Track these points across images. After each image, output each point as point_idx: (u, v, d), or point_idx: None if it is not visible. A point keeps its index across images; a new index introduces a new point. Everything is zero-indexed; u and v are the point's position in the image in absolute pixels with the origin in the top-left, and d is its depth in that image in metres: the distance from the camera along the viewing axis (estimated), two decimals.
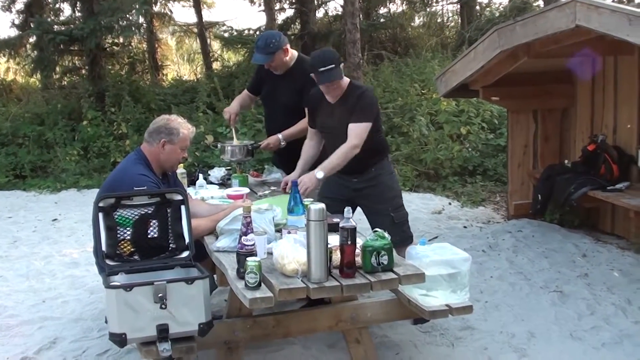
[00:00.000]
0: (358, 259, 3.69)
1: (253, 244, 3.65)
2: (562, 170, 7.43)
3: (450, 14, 20.72)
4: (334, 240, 3.72)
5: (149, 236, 4.06)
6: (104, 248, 3.97)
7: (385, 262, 3.66)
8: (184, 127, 4.61)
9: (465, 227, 8.03)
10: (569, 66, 7.51)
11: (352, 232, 3.58)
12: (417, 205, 9.09)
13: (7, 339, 5.23)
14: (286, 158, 5.82)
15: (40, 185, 10.93)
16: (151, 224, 4.07)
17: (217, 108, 12.25)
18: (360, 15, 14.59)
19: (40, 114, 12.98)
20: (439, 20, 20.57)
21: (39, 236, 8.19)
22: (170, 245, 4.08)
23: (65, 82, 15.20)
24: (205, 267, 4.25)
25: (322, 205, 3.56)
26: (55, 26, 13.98)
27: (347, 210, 3.62)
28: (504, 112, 11.10)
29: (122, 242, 4.02)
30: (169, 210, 4.09)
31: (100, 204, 4.01)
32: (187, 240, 4.08)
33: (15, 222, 8.83)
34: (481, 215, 8.57)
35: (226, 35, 17.54)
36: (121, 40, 14.29)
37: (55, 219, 8.90)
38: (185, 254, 4.07)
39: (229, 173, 5.95)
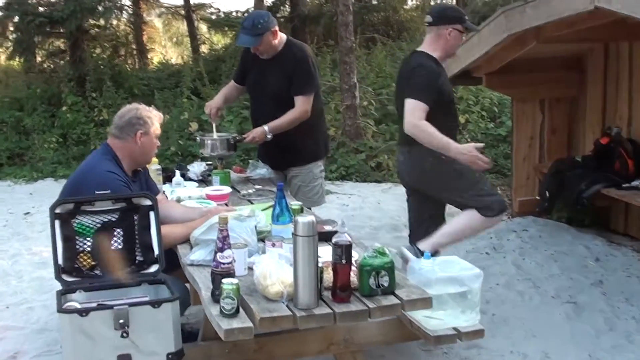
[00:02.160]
0: (354, 279, 3.15)
1: (230, 262, 3.10)
2: (572, 165, 6.89)
3: None
4: (326, 252, 3.21)
5: (112, 247, 3.51)
6: (60, 261, 3.43)
7: (386, 284, 3.12)
8: (154, 115, 4.13)
9: None
10: (580, 52, 7.00)
11: (347, 250, 3.04)
12: None
13: None
14: (273, 152, 5.42)
15: (16, 174, 10.42)
16: (115, 233, 3.52)
17: (203, 93, 11.73)
18: None
19: (20, 99, 12.43)
20: (432, 2, 20.10)
21: (9, 231, 7.67)
22: (137, 257, 3.54)
23: (46, 66, 14.60)
24: (179, 278, 3.77)
25: (312, 217, 3.02)
26: (40, 8, 13.39)
27: (342, 222, 3.08)
28: (504, 100, 10.70)
29: (82, 254, 3.48)
30: (135, 218, 3.55)
31: (57, 210, 3.46)
32: (156, 252, 3.53)
33: None
34: None
35: (213, 17, 16.97)
36: (102, 22, 13.68)
37: (27, 212, 8.35)
38: (154, 268, 3.53)
39: (210, 168, 5.39)
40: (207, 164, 5.46)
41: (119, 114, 4.13)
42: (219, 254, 3.09)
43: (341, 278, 3.07)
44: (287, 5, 16.51)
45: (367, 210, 8.08)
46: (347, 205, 8.29)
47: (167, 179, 5.07)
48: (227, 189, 4.74)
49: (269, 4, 16.05)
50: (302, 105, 5.24)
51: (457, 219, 5.04)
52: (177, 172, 5.04)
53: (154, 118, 4.08)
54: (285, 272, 3.10)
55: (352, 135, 10.40)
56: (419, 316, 3.63)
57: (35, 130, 11.45)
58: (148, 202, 3.56)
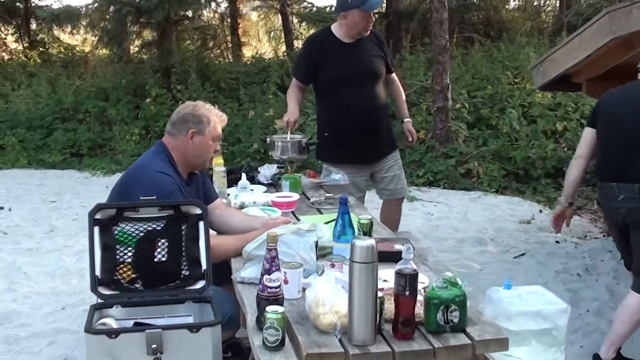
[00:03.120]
0: (420, 311, 2.74)
1: (278, 287, 2.74)
2: None
3: None
4: (389, 276, 2.84)
5: (155, 259, 3.20)
6: (97, 272, 3.13)
7: (456, 320, 2.69)
8: (214, 115, 3.74)
9: (557, 242, 6.94)
10: None
11: (411, 280, 2.63)
12: (504, 211, 8.07)
13: (9, 355, 4.49)
14: (366, 143, 5.31)
15: (95, 165, 10.33)
16: (159, 243, 3.21)
17: None
18: None
19: (106, 89, 12.41)
20: (535, 3, 19.44)
21: (77, 226, 7.50)
22: (183, 272, 3.22)
23: (134, 57, 14.60)
24: (232, 293, 3.39)
25: (371, 241, 2.62)
26: None
27: (407, 249, 2.67)
28: None
29: (122, 265, 3.17)
30: (183, 227, 3.23)
31: (97, 216, 3.17)
32: (204, 266, 3.20)
33: (57, 208, 8.19)
34: (576, 227, 7.46)
35: (307, 11, 16.70)
36: (189, 13, 13.55)
37: None
38: (200, 284, 3.19)
39: (281, 172, 5.05)
40: (278, 167, 5.12)
41: (177, 109, 3.83)
42: (265, 277, 2.73)
43: (404, 311, 2.66)
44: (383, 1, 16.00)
45: (453, 221, 7.63)
46: (432, 214, 7.85)
47: (235, 181, 4.75)
48: (295, 196, 4.40)
49: None
50: (398, 80, 5.63)
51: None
52: (244, 175, 4.70)
53: (213, 118, 3.73)
54: (340, 300, 2.71)
55: (442, 139, 9.93)
56: (496, 354, 3.19)
57: (118, 121, 11.37)
58: (198, 211, 3.23)
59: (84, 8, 14.38)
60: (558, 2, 18.19)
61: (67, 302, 5.41)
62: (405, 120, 5.64)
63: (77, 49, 17.42)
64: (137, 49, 15.01)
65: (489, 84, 11.42)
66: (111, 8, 12.96)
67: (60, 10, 15.50)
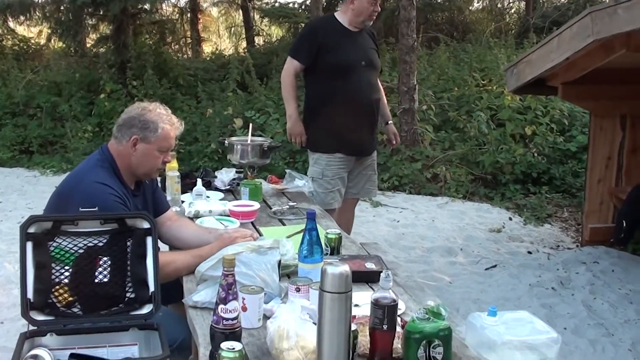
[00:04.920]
0: (398, 345, 2.39)
1: (236, 318, 2.36)
2: None
3: None
4: (360, 299, 2.58)
5: (96, 280, 2.79)
6: (29, 294, 2.72)
7: (440, 357, 2.34)
8: (166, 121, 3.31)
9: (529, 252, 6.69)
10: None
11: (390, 312, 2.28)
12: (472, 218, 7.80)
13: None
14: (365, 132, 5.29)
15: (45, 164, 9.91)
16: (101, 262, 2.80)
17: (250, 88, 11.03)
18: None
19: (59, 83, 11.94)
20: (499, 5, 19.40)
21: None
22: (128, 294, 2.81)
23: (89, 51, 14.18)
24: (182, 313, 3.01)
25: (345, 268, 2.26)
26: None
27: (386, 276, 2.32)
28: (575, 112, 9.92)
29: (58, 286, 2.76)
30: (128, 244, 2.82)
31: (30, 230, 2.75)
32: (151, 288, 2.80)
33: (2, 210, 7.78)
34: (548, 236, 7.23)
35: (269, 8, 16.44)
36: (147, 6, 13.16)
37: None
38: (147, 308, 2.79)
39: (240, 177, 4.69)
40: (237, 171, 4.75)
41: (126, 110, 3.43)
42: (221, 306, 2.35)
43: (381, 347, 2.32)
44: None
45: (420, 229, 7.34)
46: (397, 221, 7.54)
47: (190, 186, 4.38)
48: (255, 205, 4.04)
49: None
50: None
51: None
52: (199, 181, 4.32)
53: (164, 126, 3.29)
54: (307, 333, 2.36)
55: (408, 141, 9.62)
56: None
57: (70, 117, 10.97)
58: (146, 225, 2.83)
59: None
60: (524, 3, 18.12)
61: (7, 316, 5.04)
62: (390, 122, 5.58)
63: (33, 41, 16.89)
64: (92, 42, 14.61)
65: (455, 86, 11.21)
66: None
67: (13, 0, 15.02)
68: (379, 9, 5.13)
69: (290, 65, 5.16)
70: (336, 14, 5.22)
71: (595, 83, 6.21)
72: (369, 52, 5.21)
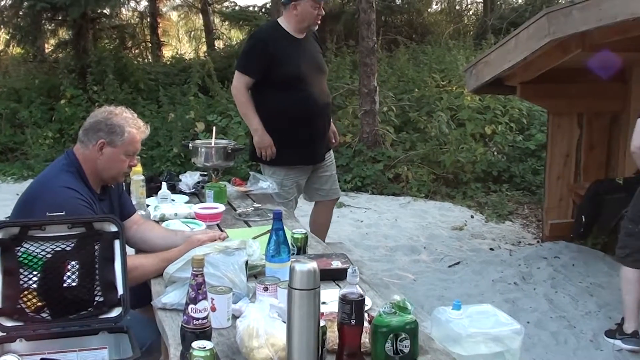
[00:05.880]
0: (366, 339, 2.44)
1: (206, 317, 2.39)
2: (612, 188, 6.21)
3: (470, 0, 19.69)
4: (333, 297, 2.59)
5: (65, 284, 2.80)
6: None
7: (407, 350, 2.39)
8: (132, 125, 3.32)
9: (491, 248, 6.80)
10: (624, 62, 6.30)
11: (358, 307, 2.32)
12: (435, 217, 7.88)
13: None
14: (321, 137, 5.20)
15: (5, 171, 9.79)
16: (69, 266, 2.81)
17: (212, 91, 11.01)
18: None
19: (18, 90, 11.81)
20: (457, 7, 19.57)
21: None
22: (96, 298, 2.83)
23: (49, 56, 14.04)
24: (151, 316, 3.01)
25: (313, 265, 2.30)
26: None
27: (353, 271, 2.37)
28: (534, 111, 10.05)
29: (26, 292, 2.77)
30: (96, 247, 2.83)
31: None
32: (120, 291, 2.82)
33: None
34: (509, 233, 7.33)
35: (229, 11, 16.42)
36: (107, 11, 13.08)
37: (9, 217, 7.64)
38: (116, 311, 2.81)
39: (205, 180, 4.69)
40: (201, 175, 4.75)
41: (92, 114, 3.42)
42: (191, 306, 2.38)
43: (349, 342, 2.36)
44: None
45: (383, 228, 7.40)
46: (361, 221, 7.59)
47: (154, 190, 4.37)
48: (220, 207, 4.05)
49: None
50: None
51: None
52: (164, 185, 4.32)
53: (130, 130, 3.30)
54: (277, 330, 2.39)
55: (370, 143, 9.70)
56: None
57: (31, 123, 10.84)
58: (113, 228, 2.85)
59: None
60: (482, 5, 18.29)
61: None
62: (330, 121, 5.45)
63: None
64: (52, 47, 14.46)
65: (415, 87, 11.31)
66: (25, 4, 12.41)
67: None
68: (323, 12, 5.00)
69: (241, 81, 4.98)
70: (279, 20, 5.07)
71: (552, 82, 6.30)
72: (317, 58, 5.15)
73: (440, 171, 9.22)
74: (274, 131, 4.99)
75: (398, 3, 17.44)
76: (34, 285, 2.77)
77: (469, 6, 19.99)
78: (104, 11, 13.24)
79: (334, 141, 5.46)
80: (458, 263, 6.29)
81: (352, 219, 7.72)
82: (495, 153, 9.50)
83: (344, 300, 2.33)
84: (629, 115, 6.62)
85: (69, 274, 2.80)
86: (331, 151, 5.42)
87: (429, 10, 18.72)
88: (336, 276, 3.06)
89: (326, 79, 5.31)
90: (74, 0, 11.14)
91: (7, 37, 15.06)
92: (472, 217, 7.95)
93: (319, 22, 5.04)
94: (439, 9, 19.52)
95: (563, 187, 6.92)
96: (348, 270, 2.38)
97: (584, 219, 6.33)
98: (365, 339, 2.43)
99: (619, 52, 5.93)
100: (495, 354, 2.98)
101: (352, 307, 2.32)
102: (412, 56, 13.45)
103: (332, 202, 5.56)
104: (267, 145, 4.97)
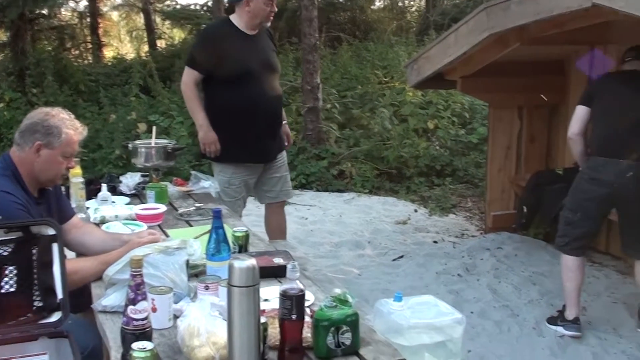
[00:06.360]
0: (307, 334, 2.45)
1: (146, 318, 2.38)
2: (553, 179, 6.31)
3: None
4: (270, 294, 2.63)
5: (2, 290, 2.75)
6: None
7: (348, 342, 2.41)
8: (70, 127, 3.28)
9: (435, 241, 6.86)
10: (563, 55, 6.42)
11: (298, 302, 2.33)
12: (379, 212, 7.92)
13: None
14: (269, 137, 5.16)
15: None
16: (6, 272, 2.76)
17: (154, 92, 10.91)
18: None
19: None
20: (400, 4, 19.67)
21: None
22: (35, 303, 2.78)
23: None
24: (92, 321, 2.97)
25: (252, 262, 2.30)
26: None
27: (293, 267, 2.37)
28: (476, 105, 10.16)
29: None
30: (34, 252, 2.79)
31: None
32: (59, 295, 2.78)
33: None
34: (453, 226, 7.41)
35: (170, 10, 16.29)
36: (45, 11, 12.87)
37: None
38: (55, 316, 2.77)
39: (145, 180, 4.65)
40: (142, 175, 4.71)
41: (27, 115, 3.37)
42: (130, 307, 2.36)
43: (290, 337, 2.37)
44: None
45: (328, 225, 7.41)
46: (306, 218, 7.59)
47: (95, 192, 4.32)
48: (161, 208, 4.02)
49: None
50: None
51: None
52: (104, 186, 4.27)
53: (67, 131, 3.26)
54: (218, 329, 2.39)
55: (314, 140, 9.71)
56: None
57: None
58: (51, 231, 2.81)
59: None
60: (424, 2, 18.41)
61: None
62: (284, 122, 5.40)
63: None
64: None
65: (358, 84, 11.34)
66: None
67: None
68: (276, 9, 5.01)
69: (190, 76, 4.96)
70: (232, 17, 5.05)
71: (492, 76, 6.37)
72: (269, 55, 5.11)
73: (383, 167, 9.27)
74: (221, 127, 4.97)
75: (341, 0, 17.45)
76: None
77: (412, 3, 20.12)
78: (43, 12, 13.01)
79: (286, 143, 5.44)
80: (402, 256, 6.33)
81: (296, 216, 7.72)
82: (438, 147, 9.59)
83: (284, 296, 2.34)
84: (567, 107, 6.72)
85: (6, 279, 2.75)
86: (284, 152, 5.38)
87: (372, 7, 18.75)
88: (277, 273, 3.06)
89: (278, 77, 5.27)
90: (11, 1, 10.92)
91: None
92: (415, 211, 8.01)
93: (272, 18, 5.02)
94: (382, 5, 19.57)
95: (504, 179, 7.01)
96: (287, 266, 2.39)
97: (525, 210, 6.43)
98: (308, 333, 2.44)
99: (557, 45, 6.05)
100: (437, 344, 3.03)
101: (293, 302, 2.33)
102: (355, 53, 13.47)
103: (281, 204, 5.51)
104: (211, 141, 4.95)
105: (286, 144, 5.43)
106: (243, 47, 4.93)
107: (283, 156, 5.38)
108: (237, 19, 4.99)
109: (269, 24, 5.08)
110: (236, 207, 5.08)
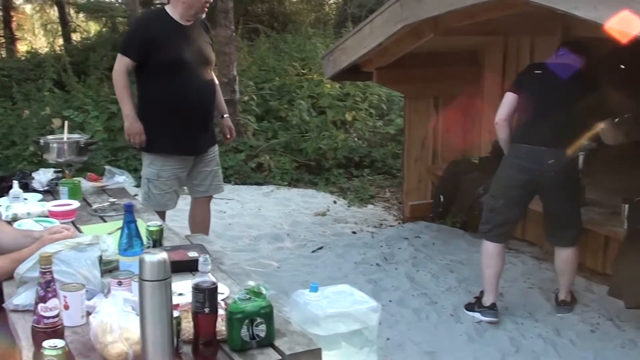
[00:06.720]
0: (222, 327, 2.44)
1: (57, 316, 2.33)
2: (468, 168, 6.44)
3: None
4: (184, 288, 2.61)
5: None
6: None
7: (263, 334, 2.41)
8: None
9: (354, 232, 6.91)
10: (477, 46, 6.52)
11: (211, 295, 2.32)
12: (298, 204, 7.94)
13: None
14: (201, 129, 5.10)
15: None
16: None
17: (68, 86, 10.68)
18: None
19: None
20: None
21: None
22: None
23: None
24: (6, 322, 2.91)
25: (163, 255, 2.28)
26: None
27: (204, 260, 2.36)
28: (392, 97, 10.27)
29: None
30: None
31: None
32: None
33: None
34: (371, 216, 7.47)
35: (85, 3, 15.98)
36: None
37: None
38: None
39: (59, 176, 4.56)
40: (55, 171, 4.61)
41: None
42: (40, 305, 2.31)
43: (204, 331, 2.35)
44: None
45: (247, 218, 7.38)
46: (224, 212, 7.54)
47: (6, 189, 4.22)
48: (74, 204, 3.94)
49: None
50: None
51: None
52: (16, 183, 4.18)
53: None
54: (131, 324, 2.36)
55: None
56: None
57: None
58: None
59: None
60: None
61: None
62: (225, 116, 5.43)
63: None
64: None
65: (276, 76, 11.31)
66: None
67: None
68: (211, 0, 4.93)
69: (122, 63, 4.89)
70: (167, 7, 4.98)
71: (407, 67, 6.44)
72: (203, 47, 5.04)
73: (302, 159, 9.29)
74: (152, 117, 4.95)
75: None
76: None
77: None
78: None
79: (228, 136, 5.44)
80: (321, 248, 6.36)
81: (215, 210, 7.55)
82: (356, 139, 9.66)
83: (196, 289, 2.32)
84: (482, 97, 6.86)
85: None
86: (216, 146, 5.33)
87: None
88: (189, 267, 3.03)
89: (212, 69, 5.21)
90: None
91: None
92: (334, 202, 8.05)
93: (207, 9, 4.95)
94: None
95: (421, 169, 7.10)
96: (199, 259, 2.38)
97: (442, 199, 6.52)
98: (222, 326, 2.44)
99: (471, 36, 6.15)
100: (353, 332, 3.05)
101: (205, 295, 2.31)
102: (273, 45, 13.43)
103: (208, 199, 5.46)
104: (136, 132, 4.91)
105: (228, 136, 5.44)
106: (177, 37, 4.87)
107: (215, 150, 5.31)
108: (172, 10, 4.93)
109: (203, 16, 4.99)
110: (165, 201, 5.04)
